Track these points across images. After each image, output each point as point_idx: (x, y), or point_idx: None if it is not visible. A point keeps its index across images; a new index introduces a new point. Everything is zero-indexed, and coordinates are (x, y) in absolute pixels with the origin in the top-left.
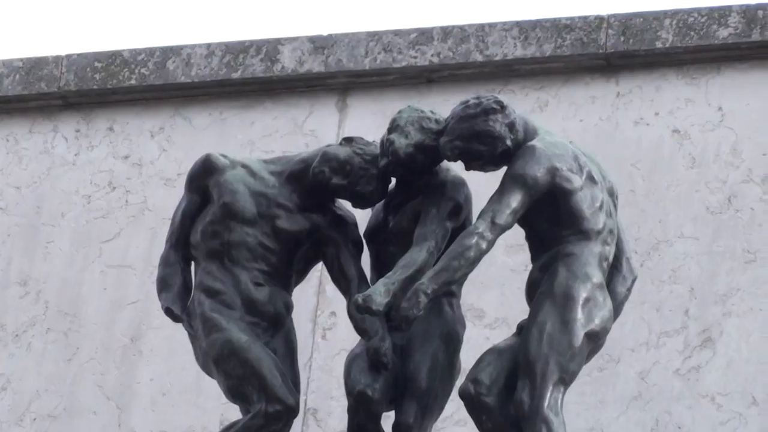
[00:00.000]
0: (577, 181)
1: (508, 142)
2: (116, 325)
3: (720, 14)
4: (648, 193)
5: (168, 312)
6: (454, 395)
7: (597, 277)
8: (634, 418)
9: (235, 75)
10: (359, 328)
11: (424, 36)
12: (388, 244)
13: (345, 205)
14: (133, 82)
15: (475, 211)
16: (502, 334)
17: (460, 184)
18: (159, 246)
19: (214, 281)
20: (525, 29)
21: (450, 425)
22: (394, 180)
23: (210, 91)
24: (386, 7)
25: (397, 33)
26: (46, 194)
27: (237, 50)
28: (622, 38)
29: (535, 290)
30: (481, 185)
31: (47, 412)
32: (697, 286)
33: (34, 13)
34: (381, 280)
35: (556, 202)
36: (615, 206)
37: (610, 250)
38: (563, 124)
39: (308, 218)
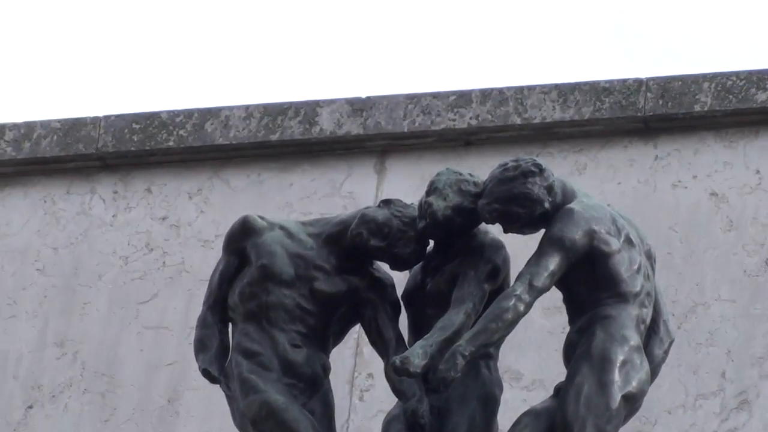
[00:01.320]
0: (615, 243)
1: (547, 205)
2: (153, 386)
3: (759, 78)
4: (685, 256)
5: (205, 373)
6: None
7: (634, 339)
8: None
9: (273, 137)
10: (397, 390)
11: (462, 98)
12: (425, 306)
13: (383, 267)
14: (171, 143)
15: (513, 273)
16: (540, 396)
17: (499, 246)
18: (196, 307)
19: (252, 343)
20: (564, 92)
21: None
22: (432, 242)
23: (248, 153)
24: (425, 70)
25: (435, 95)
26: (84, 255)
27: (275, 112)
28: (660, 101)
29: (572, 352)
30: (519, 248)
31: None
32: (733, 348)
33: (72, 74)
34: (418, 342)
35: (594, 265)
36: (653, 269)
37: (648, 313)
38: (601, 187)
39: (346, 280)
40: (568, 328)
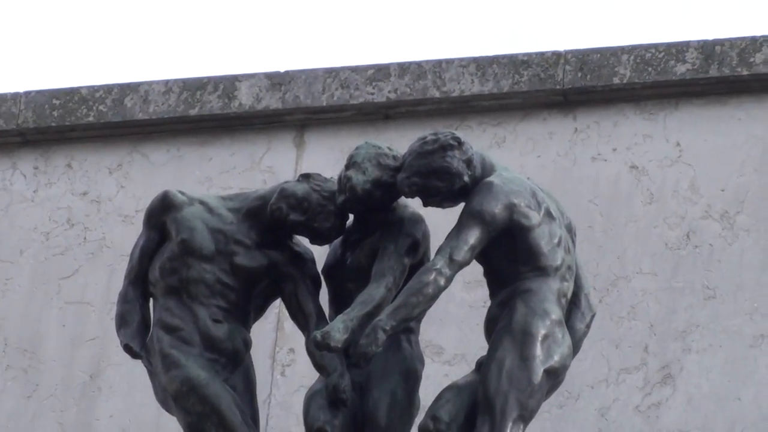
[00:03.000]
0: (535, 217)
1: (466, 179)
2: (75, 361)
3: (678, 50)
4: (606, 230)
5: (127, 348)
6: None
7: (556, 313)
8: None
9: (193, 112)
10: (318, 365)
11: (381, 72)
12: (346, 280)
13: (303, 241)
14: (91, 119)
15: (433, 247)
16: (461, 370)
17: (418, 220)
18: (117, 283)
19: (173, 318)
20: (482, 65)
21: None
22: (351, 216)
23: (168, 128)
24: (343, 44)
25: (354, 69)
26: (5, 231)
27: (194, 87)
28: (579, 74)
29: (493, 326)
30: (439, 222)
31: None
32: (656, 322)
33: None
34: (339, 317)
35: (514, 239)
36: (573, 242)
37: (569, 287)
38: (521, 160)
39: (266, 255)
40: (489, 302)
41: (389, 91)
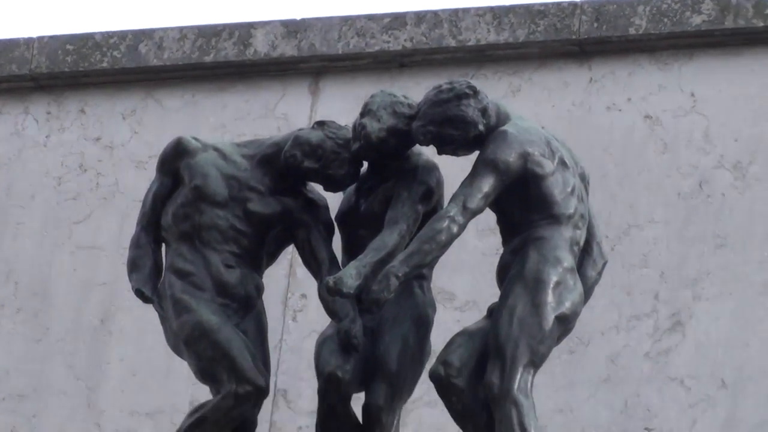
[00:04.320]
0: (548, 166)
1: (481, 127)
2: (86, 305)
3: (693, 1)
4: (619, 179)
5: (138, 293)
6: (424, 377)
7: (568, 261)
8: (603, 401)
9: (208, 58)
10: (330, 310)
11: (397, 21)
12: (359, 227)
13: (317, 188)
14: (104, 65)
15: (447, 195)
16: (473, 317)
17: (432, 168)
18: (130, 228)
19: (185, 263)
20: (498, 15)
21: (420, 407)
22: (366, 164)
23: (182, 75)
24: None
25: (370, 18)
26: (17, 176)
27: (210, 34)
28: (595, 24)
29: (505, 273)
30: (453, 170)
31: (17, 392)
32: (667, 270)
33: None
34: (352, 263)
35: (528, 187)
36: (586, 191)
37: (581, 235)
38: (535, 109)
39: (279, 201)
40: (501, 250)
41: (405, 40)
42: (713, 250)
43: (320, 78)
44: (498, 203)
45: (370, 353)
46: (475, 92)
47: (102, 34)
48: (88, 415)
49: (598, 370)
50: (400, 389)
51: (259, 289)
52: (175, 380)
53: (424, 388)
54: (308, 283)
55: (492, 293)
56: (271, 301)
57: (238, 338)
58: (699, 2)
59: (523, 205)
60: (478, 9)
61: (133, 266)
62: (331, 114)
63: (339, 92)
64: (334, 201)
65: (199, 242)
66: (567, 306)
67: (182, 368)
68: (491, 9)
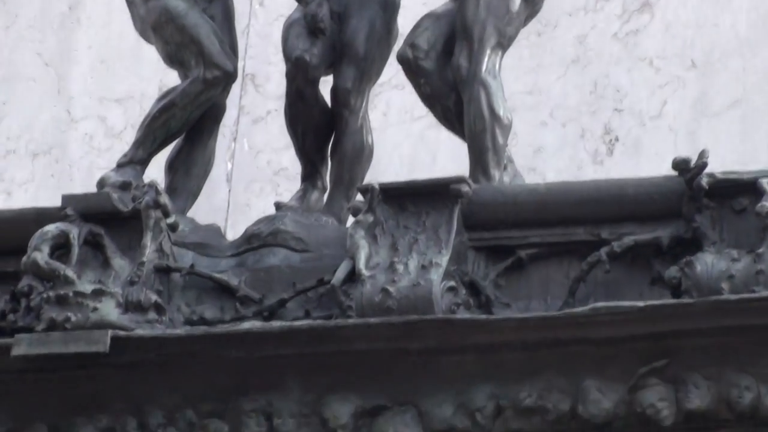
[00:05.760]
0: None
1: None
2: None
3: None
4: None
5: None
6: (392, 60)
7: None
8: (572, 82)
9: None
10: None
11: None
12: None
13: None
14: None
15: None
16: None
17: None
18: None
19: None
20: None
21: (388, 89)
22: None
23: None
24: None
25: None
26: None
27: None
28: None
29: None
30: None
31: None
32: None
33: None
34: None
35: None
36: None
37: None
38: None
39: None
40: None
41: None
42: None
43: None
44: None
45: (337, 37)
46: None
47: None
48: (57, 101)
49: (567, 51)
50: (368, 72)
51: None
52: (144, 66)
53: (393, 71)
54: None
55: None
56: None
57: (206, 23)
58: None
59: None
60: None
61: None
62: None
63: None
64: None
65: None
66: None
67: (151, 54)
68: None
